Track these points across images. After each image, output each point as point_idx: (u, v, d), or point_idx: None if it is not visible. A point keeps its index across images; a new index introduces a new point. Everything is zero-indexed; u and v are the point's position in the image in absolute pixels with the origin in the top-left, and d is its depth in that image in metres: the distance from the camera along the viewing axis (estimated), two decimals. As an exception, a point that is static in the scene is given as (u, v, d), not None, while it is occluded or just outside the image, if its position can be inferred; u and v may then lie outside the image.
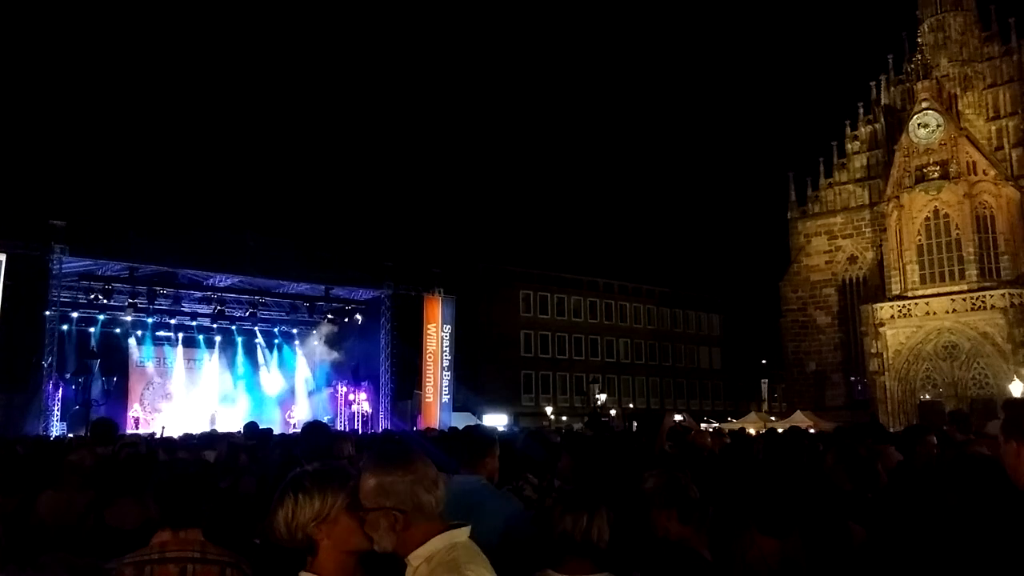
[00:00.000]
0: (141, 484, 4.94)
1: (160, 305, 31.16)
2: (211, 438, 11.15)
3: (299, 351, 35.97)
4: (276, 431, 12.49)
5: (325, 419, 31.09)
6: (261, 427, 10.43)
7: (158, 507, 2.89)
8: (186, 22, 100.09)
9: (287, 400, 34.45)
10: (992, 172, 41.96)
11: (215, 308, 32.06)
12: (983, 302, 39.85)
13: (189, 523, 2.86)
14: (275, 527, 2.41)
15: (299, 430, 10.73)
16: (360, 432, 27.18)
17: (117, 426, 7.98)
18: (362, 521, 2.37)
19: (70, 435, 23.89)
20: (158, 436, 19.33)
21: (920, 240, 42.66)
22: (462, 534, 2.38)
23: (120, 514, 4.49)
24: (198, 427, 24.33)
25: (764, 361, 57.11)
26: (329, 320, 35.15)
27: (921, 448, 6.07)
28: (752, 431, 17.88)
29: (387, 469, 2.36)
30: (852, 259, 48.67)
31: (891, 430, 12.49)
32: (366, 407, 34.61)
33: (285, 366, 35.60)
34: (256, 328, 34.59)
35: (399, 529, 2.32)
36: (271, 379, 35.12)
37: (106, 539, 4.19)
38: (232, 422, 30.80)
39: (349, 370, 35.39)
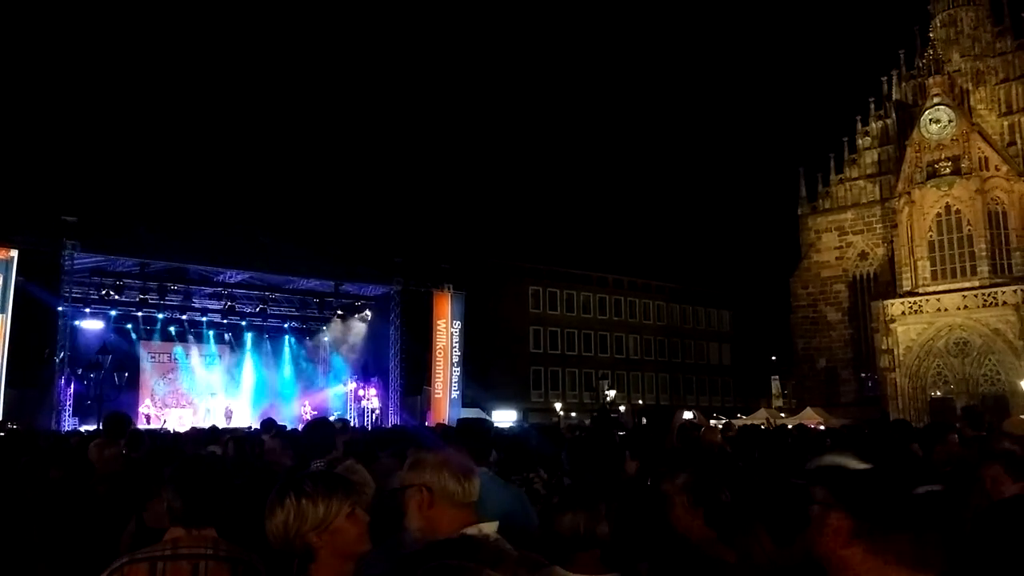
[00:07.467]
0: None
1: (171, 301, 31.30)
2: (215, 433, 11.21)
3: (309, 347, 36.11)
4: (288, 426, 12.54)
5: (335, 415, 31.26)
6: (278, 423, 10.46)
7: (174, 504, 2.86)
8: (197, 20, 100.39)
9: (299, 396, 34.57)
10: (1004, 168, 41.68)
11: (225, 304, 32.19)
12: (995, 298, 39.62)
13: (204, 521, 2.82)
14: (271, 530, 2.33)
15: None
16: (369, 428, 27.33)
17: (130, 419, 7.98)
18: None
19: (85, 428, 24.01)
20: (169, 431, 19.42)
21: (931, 236, 42.44)
22: (490, 527, 2.45)
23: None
24: (209, 423, 24.41)
25: (774, 357, 56.87)
26: (339, 316, 35.25)
27: (941, 447, 5.95)
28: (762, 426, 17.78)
29: (421, 451, 2.63)
30: (863, 255, 48.45)
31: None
32: (375, 403, 34.69)
33: (295, 362, 35.72)
34: (266, 324, 34.72)
35: (425, 508, 2.44)
36: (282, 375, 35.26)
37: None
38: (244, 417, 30.98)
39: (359, 366, 35.48)
